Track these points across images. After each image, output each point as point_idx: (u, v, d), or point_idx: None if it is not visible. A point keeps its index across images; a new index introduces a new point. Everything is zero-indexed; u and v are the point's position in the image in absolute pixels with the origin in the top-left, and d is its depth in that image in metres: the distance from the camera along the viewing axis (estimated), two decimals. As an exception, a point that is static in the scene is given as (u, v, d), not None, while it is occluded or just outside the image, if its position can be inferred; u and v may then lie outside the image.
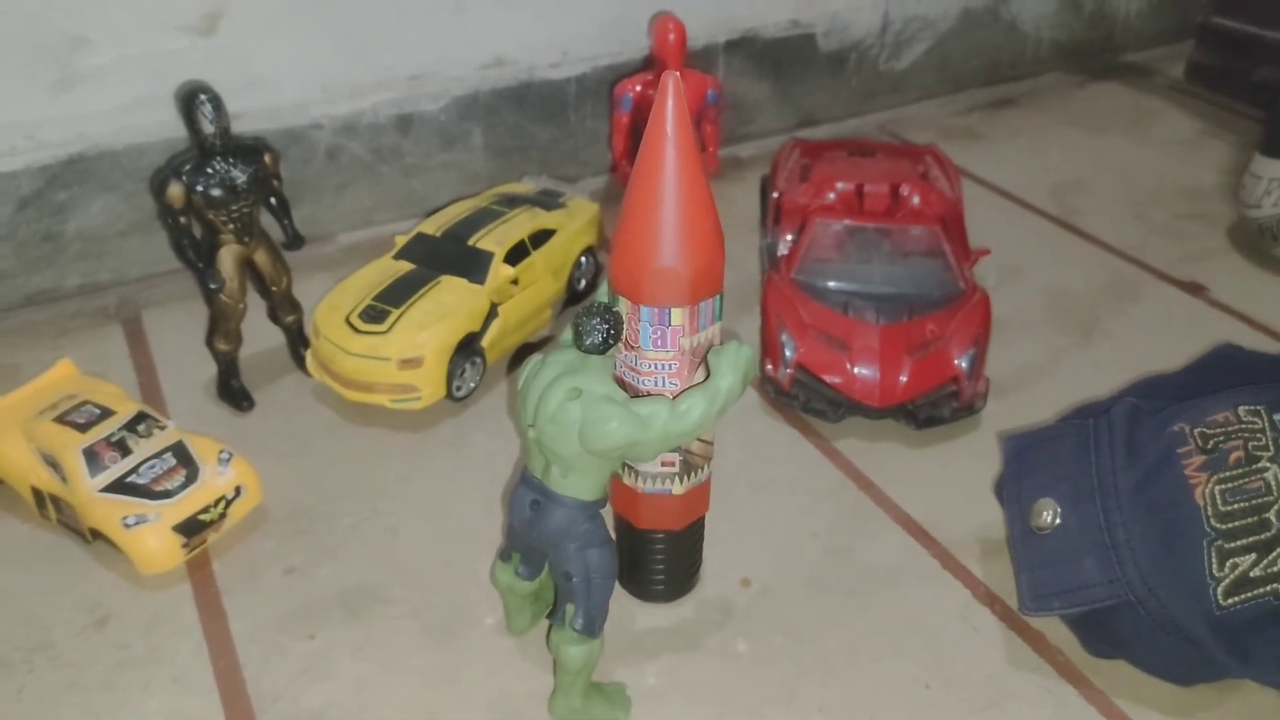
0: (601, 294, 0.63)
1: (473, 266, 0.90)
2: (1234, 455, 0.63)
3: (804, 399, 0.86)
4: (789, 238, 0.95)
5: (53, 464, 0.74)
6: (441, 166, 1.17)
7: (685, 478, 0.65)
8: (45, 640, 0.68)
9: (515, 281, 0.92)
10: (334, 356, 0.85)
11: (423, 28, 1.10)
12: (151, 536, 0.71)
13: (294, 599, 0.71)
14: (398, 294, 0.87)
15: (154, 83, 0.99)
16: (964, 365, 0.85)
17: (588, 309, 0.58)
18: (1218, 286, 1.07)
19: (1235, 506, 0.62)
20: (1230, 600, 0.61)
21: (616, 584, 0.62)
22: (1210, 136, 1.41)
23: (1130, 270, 1.11)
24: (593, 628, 0.60)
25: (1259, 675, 0.63)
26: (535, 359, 0.60)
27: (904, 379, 0.83)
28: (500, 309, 0.90)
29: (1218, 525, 0.62)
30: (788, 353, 0.86)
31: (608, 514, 0.64)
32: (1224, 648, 0.61)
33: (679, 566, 0.71)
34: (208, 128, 0.78)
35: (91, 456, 0.73)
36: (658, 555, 0.69)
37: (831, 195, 0.96)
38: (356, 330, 0.85)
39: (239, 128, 0.85)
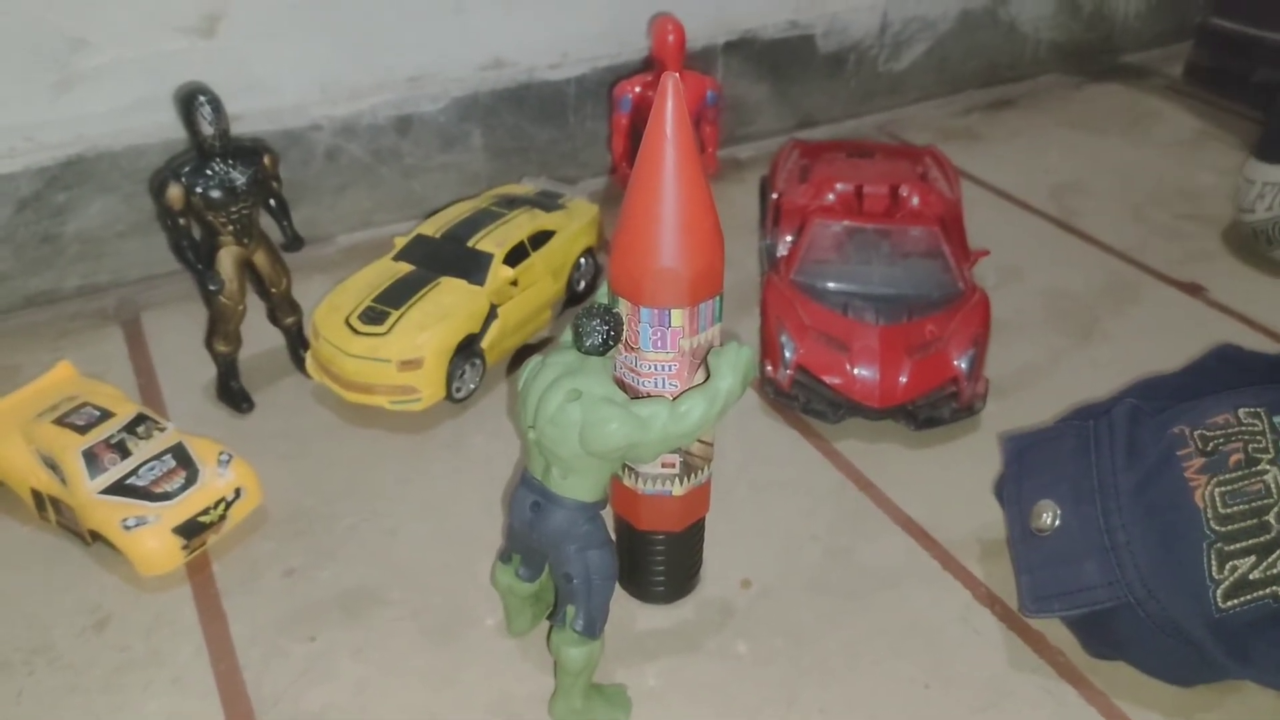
0: (601, 295, 0.63)
1: (472, 268, 0.90)
2: (1234, 457, 0.63)
3: (804, 400, 0.86)
4: (788, 239, 0.95)
5: (52, 466, 0.74)
6: (441, 168, 1.17)
7: (685, 479, 0.65)
8: (45, 642, 0.68)
9: (515, 283, 0.92)
10: (333, 358, 0.85)
11: (422, 29, 1.10)
12: (151, 538, 0.71)
13: (294, 601, 0.71)
14: (397, 295, 0.87)
15: (153, 84, 0.99)
16: (963, 366, 0.85)
17: (587, 310, 0.58)
18: (1217, 287, 1.07)
19: (1235, 509, 0.62)
20: (1230, 603, 0.61)
21: (617, 585, 0.62)
22: (1209, 137, 1.42)
23: (1129, 271, 1.11)
24: (593, 629, 0.60)
25: (1259, 677, 0.63)
26: (535, 360, 0.60)
27: (904, 380, 0.83)
28: (500, 310, 0.90)
29: (1217, 527, 0.62)
30: (787, 354, 0.86)
31: (608, 515, 0.64)
32: (1224, 650, 0.61)
33: (679, 568, 0.71)
34: (207, 129, 0.78)
35: (91, 458, 0.73)
36: (658, 557, 0.69)
37: (831, 196, 0.96)
38: (356, 332, 0.85)
39: (238, 129, 0.85)
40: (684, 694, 0.65)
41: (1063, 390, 0.90)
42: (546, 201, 1.00)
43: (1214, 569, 0.61)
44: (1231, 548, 0.61)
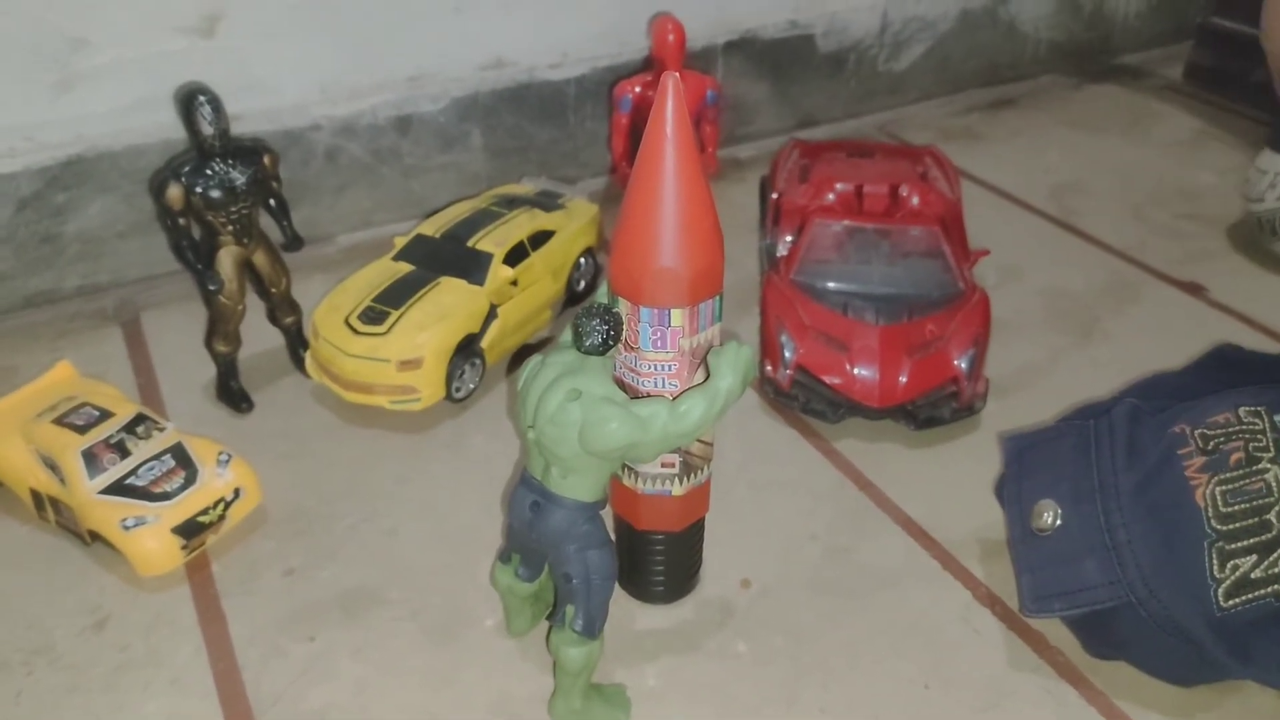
0: (601, 295, 0.63)
1: (472, 268, 0.90)
2: (1235, 456, 0.63)
3: (803, 400, 0.86)
4: (788, 238, 0.95)
5: (51, 466, 0.74)
6: (441, 168, 1.17)
7: (685, 479, 0.65)
8: (44, 643, 0.68)
9: (514, 283, 0.92)
10: (333, 358, 0.85)
11: (422, 29, 1.10)
12: (150, 538, 0.71)
13: (293, 600, 0.71)
14: (397, 295, 0.87)
15: (153, 84, 0.99)
16: (963, 366, 0.84)
17: (587, 310, 0.58)
18: (1217, 286, 1.07)
19: (1236, 508, 0.62)
20: (1231, 602, 0.61)
21: (616, 585, 0.62)
22: (1209, 137, 1.42)
23: (1130, 270, 1.11)
24: (593, 629, 0.60)
25: (1260, 676, 0.63)
26: (535, 360, 0.60)
27: (903, 379, 0.83)
28: (499, 310, 0.90)
29: (1218, 526, 0.62)
30: (787, 353, 0.86)
31: (608, 515, 0.64)
32: (1225, 649, 0.61)
33: (679, 568, 0.70)
34: (207, 129, 0.78)
35: (90, 458, 0.73)
36: (657, 556, 0.69)
37: (831, 196, 0.96)
38: (356, 331, 0.85)
39: (238, 129, 0.85)
40: (684, 694, 0.65)
41: (1063, 390, 0.90)
42: (546, 201, 1.00)
43: (1215, 568, 0.61)
44: (1233, 546, 0.61)
